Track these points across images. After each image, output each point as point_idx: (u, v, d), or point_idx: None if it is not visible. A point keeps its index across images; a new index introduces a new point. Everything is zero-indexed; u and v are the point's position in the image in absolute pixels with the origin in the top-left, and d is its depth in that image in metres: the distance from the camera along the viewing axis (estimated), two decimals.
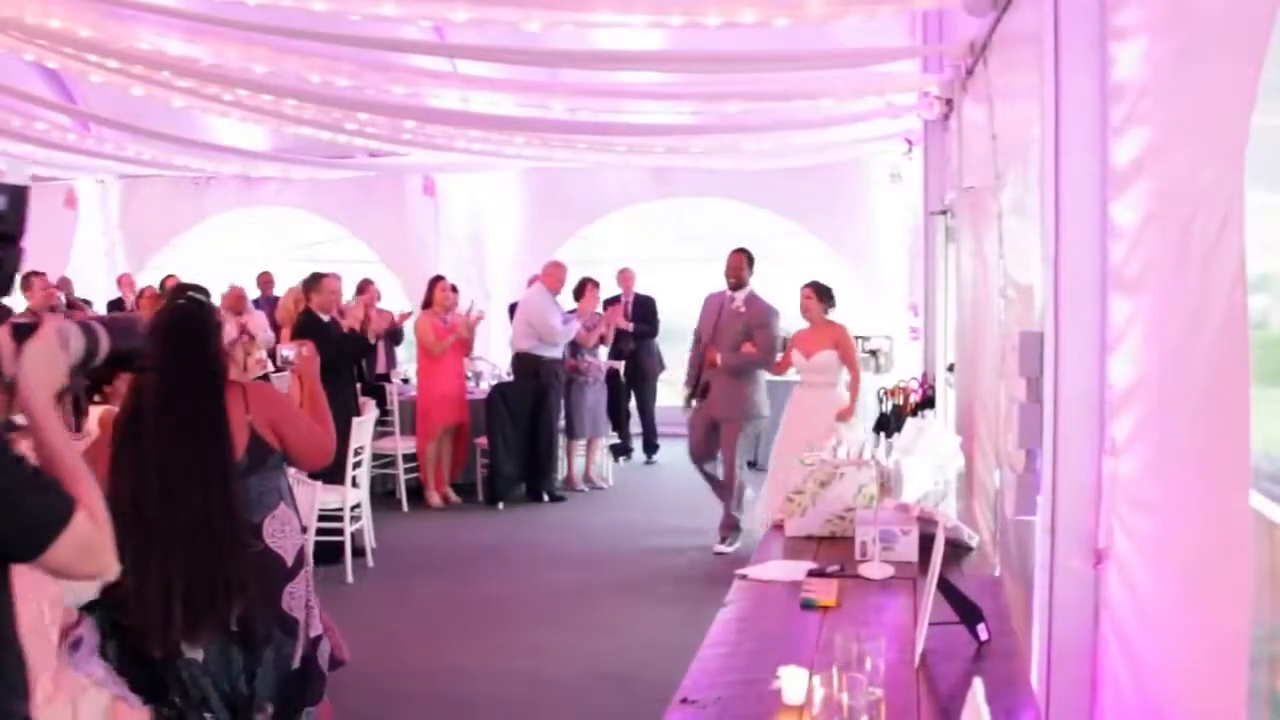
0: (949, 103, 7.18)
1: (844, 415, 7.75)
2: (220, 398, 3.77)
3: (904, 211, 10.74)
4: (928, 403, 8.15)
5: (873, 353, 11.22)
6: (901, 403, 8.74)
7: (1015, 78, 4.45)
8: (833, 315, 8.02)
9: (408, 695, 5.52)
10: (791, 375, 8.28)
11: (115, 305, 12.20)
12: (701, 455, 8.31)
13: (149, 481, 3.58)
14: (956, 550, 4.09)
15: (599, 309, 10.67)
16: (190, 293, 4.02)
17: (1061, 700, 3.23)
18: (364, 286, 10.33)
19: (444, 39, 8.59)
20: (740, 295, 8.12)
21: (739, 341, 8.03)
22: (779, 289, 13.47)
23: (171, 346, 3.74)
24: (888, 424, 7.67)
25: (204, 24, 6.52)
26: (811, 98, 7.70)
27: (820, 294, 8.00)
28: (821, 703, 2.33)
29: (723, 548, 8.17)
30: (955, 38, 6.59)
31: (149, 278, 13.24)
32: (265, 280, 12.60)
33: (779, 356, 8.22)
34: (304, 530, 4.13)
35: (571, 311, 10.12)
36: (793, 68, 7.26)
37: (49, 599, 3.48)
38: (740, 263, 8.19)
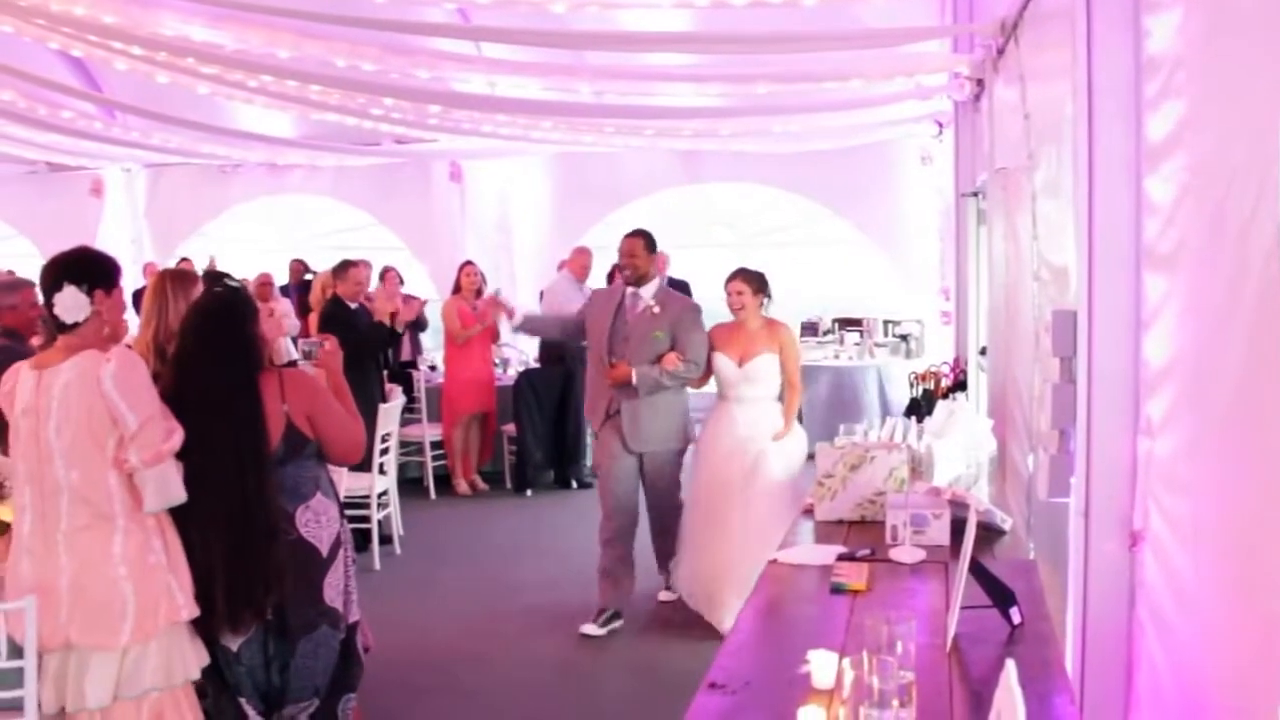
0: (980, 83, 7.10)
1: (779, 435, 6.16)
2: (255, 386, 3.81)
3: (935, 194, 10.65)
4: (959, 387, 8.09)
5: (903, 337, 11.19)
6: (932, 387, 8.70)
7: (1048, 56, 4.39)
8: (771, 310, 6.32)
9: (435, 683, 5.52)
10: (709, 388, 6.53)
11: (140, 294, 12.26)
12: (626, 510, 6.32)
13: (188, 469, 3.60)
14: (989, 534, 4.05)
15: None
16: (225, 280, 4.07)
17: (1096, 684, 3.19)
18: (385, 274, 10.32)
19: (468, 22, 8.57)
20: (647, 291, 6.25)
21: (657, 351, 6.13)
22: (810, 274, 13.52)
23: (207, 334, 3.80)
24: (919, 409, 7.58)
25: (227, 9, 6.52)
26: (840, 79, 7.58)
27: (755, 284, 6.21)
28: (851, 686, 2.30)
29: (596, 629, 6.22)
30: (986, 16, 6.52)
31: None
32: (296, 267, 12.64)
33: None
34: (343, 520, 4.14)
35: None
36: (821, 48, 7.16)
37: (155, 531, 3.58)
38: (636, 249, 6.23)
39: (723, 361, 6.16)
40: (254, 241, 14.27)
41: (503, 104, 8.88)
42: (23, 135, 10.84)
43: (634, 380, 6.08)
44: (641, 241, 6.25)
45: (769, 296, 6.28)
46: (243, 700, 3.90)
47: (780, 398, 6.27)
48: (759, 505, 5.91)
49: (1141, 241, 3.05)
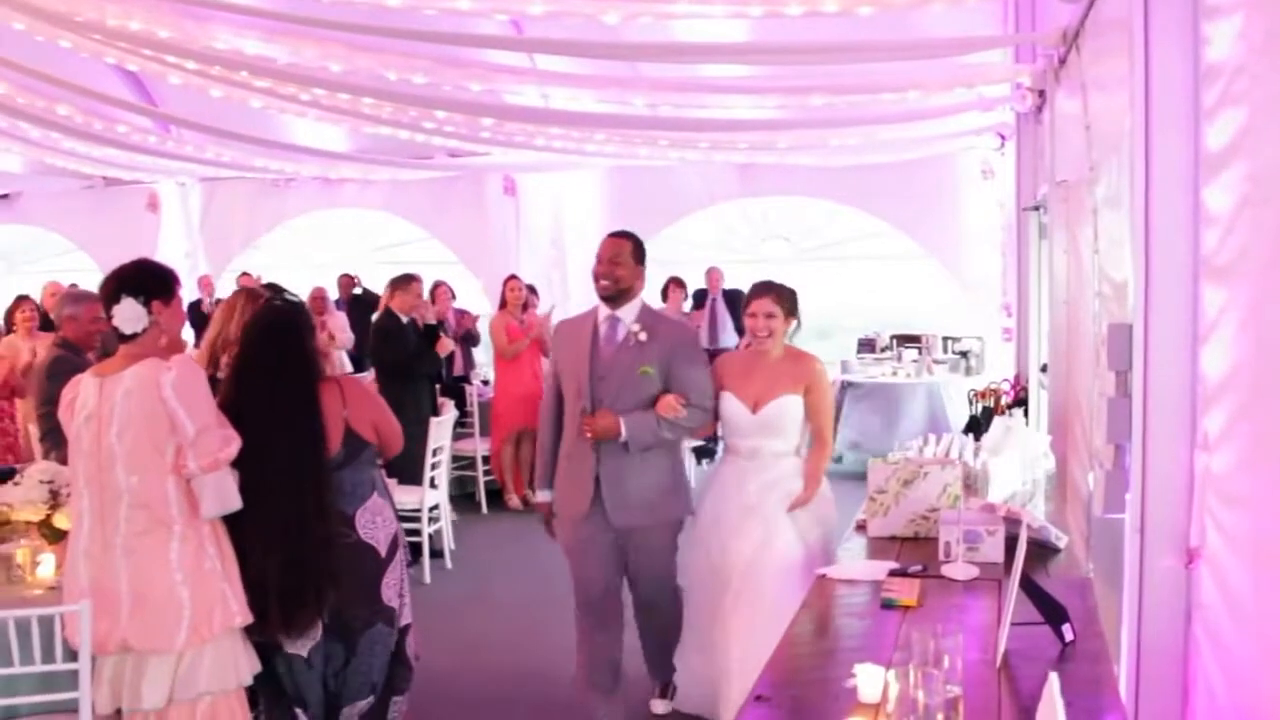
0: (1041, 94, 7.01)
1: (798, 502, 4.69)
2: (316, 395, 3.91)
3: (996, 209, 10.54)
4: (1019, 404, 7.98)
5: (963, 354, 11.06)
6: (992, 405, 8.59)
7: (1109, 65, 4.32)
8: (798, 340, 4.92)
9: (485, 698, 5.52)
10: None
11: (194, 306, 12.44)
12: (608, 603, 4.96)
13: (247, 478, 3.68)
14: (1043, 551, 3.99)
15: (685, 308, 10.61)
16: (284, 294, 4.20)
17: (1151, 705, 3.12)
18: (436, 288, 10.34)
19: (522, 33, 8.59)
20: (628, 314, 4.73)
21: (648, 393, 4.67)
22: (867, 290, 13.40)
23: (269, 346, 3.91)
24: (978, 427, 7.48)
25: (280, 22, 6.61)
26: (899, 91, 7.50)
27: (788, 304, 4.79)
28: (896, 699, 2.27)
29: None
30: (1048, 25, 6.43)
31: (230, 280, 13.42)
32: (346, 282, 12.76)
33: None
34: (397, 519, 4.23)
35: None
36: (878, 59, 7.10)
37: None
38: (621, 253, 4.73)
39: (732, 405, 4.73)
40: (308, 255, 14.44)
41: (556, 116, 8.90)
42: (80, 150, 11.07)
43: (623, 434, 4.59)
44: (629, 246, 4.77)
45: (797, 319, 4.86)
46: (299, 711, 3.96)
47: (800, 452, 4.82)
48: (772, 590, 4.47)
49: (1199, 253, 2.99)
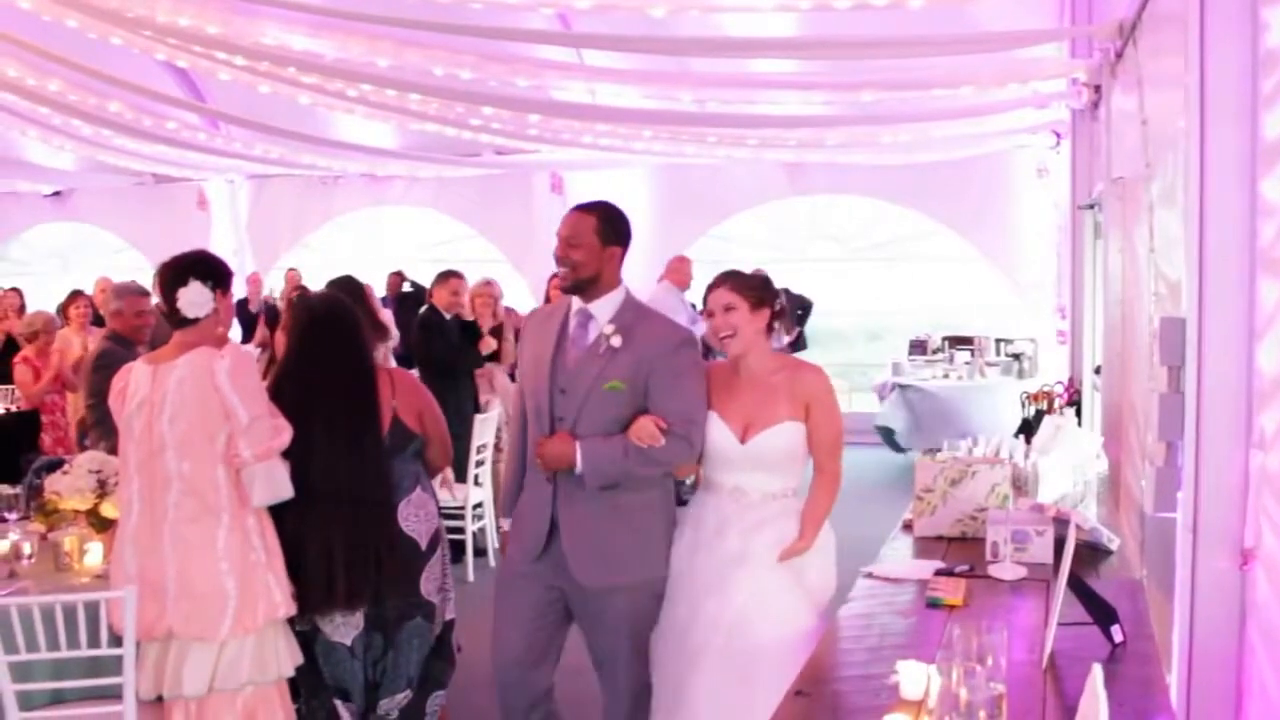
0: (1097, 89, 6.89)
1: (793, 550, 3.67)
2: (373, 381, 4.01)
3: (1051, 209, 10.39)
4: (1072, 406, 7.86)
5: (1016, 356, 10.92)
6: (1045, 408, 8.46)
7: (1166, 58, 4.24)
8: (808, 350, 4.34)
9: None
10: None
11: (242, 304, 12.55)
12: (527, 681, 3.84)
13: (314, 457, 3.79)
14: (1095, 554, 3.92)
15: None
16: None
17: (1203, 709, 3.04)
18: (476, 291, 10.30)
19: (569, 28, 8.58)
20: (604, 310, 3.69)
21: (619, 415, 3.63)
22: (919, 291, 13.27)
23: (329, 334, 4.00)
24: (1030, 430, 7.37)
25: (327, 17, 6.66)
26: (951, 86, 7.41)
27: (754, 294, 3.81)
28: (938, 695, 2.22)
29: None
30: (1104, 18, 6.32)
31: (278, 277, 13.54)
32: (395, 280, 12.83)
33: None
34: (440, 516, 4.28)
35: (702, 310, 9.99)
36: (930, 53, 7.01)
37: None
38: (581, 231, 3.67)
39: (717, 430, 3.72)
40: (355, 254, 14.52)
41: (603, 113, 8.90)
42: (131, 147, 11.26)
43: (578, 465, 3.57)
44: (594, 220, 3.67)
45: (790, 320, 4.33)
46: (338, 702, 3.99)
47: (799, 492, 3.82)
48: (758, 668, 3.52)
49: (1256, 245, 2.92)
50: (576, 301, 3.72)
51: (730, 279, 3.82)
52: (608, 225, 3.68)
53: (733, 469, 3.72)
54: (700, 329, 9.74)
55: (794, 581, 3.65)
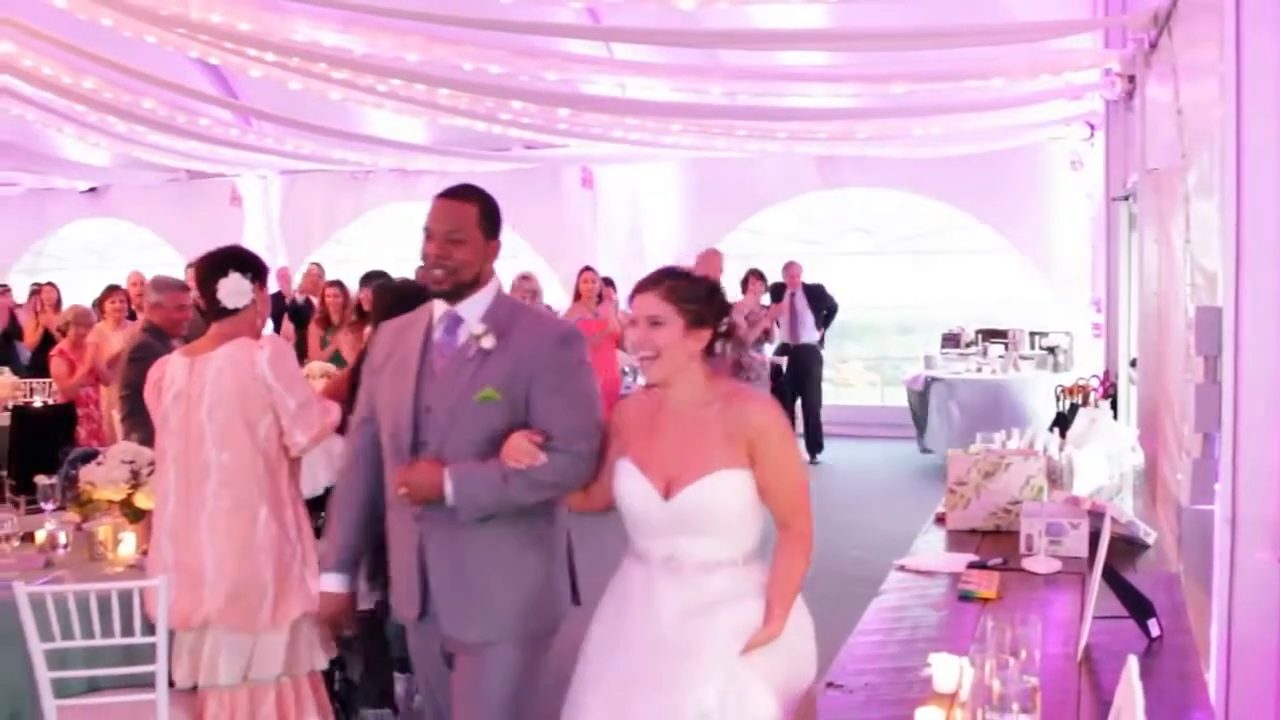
0: (1131, 79, 6.83)
1: (759, 640, 2.78)
2: None
3: (1086, 200, 10.30)
4: (1108, 399, 7.80)
5: (1050, 349, 10.84)
6: (1080, 401, 8.40)
7: (1202, 49, 4.19)
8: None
9: (562, 679, 5.53)
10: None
11: (278, 297, 12.63)
12: None
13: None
14: (1131, 548, 3.88)
15: (763, 302, 10.52)
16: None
17: (1242, 703, 3.00)
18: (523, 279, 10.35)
19: (598, 22, 8.59)
20: (472, 310, 3.08)
21: (495, 431, 2.98)
22: (951, 283, 13.18)
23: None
24: (1064, 424, 7.31)
25: (357, 13, 6.69)
26: (983, 78, 7.35)
27: (687, 302, 2.88)
28: (972, 689, 2.21)
29: None
30: (1138, 7, 6.26)
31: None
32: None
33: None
34: None
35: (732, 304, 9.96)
36: (961, 44, 6.95)
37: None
38: (462, 221, 3.16)
39: (633, 484, 2.91)
40: (386, 248, 14.57)
41: (633, 106, 8.89)
42: (164, 143, 11.38)
43: (449, 494, 2.95)
44: (475, 211, 3.18)
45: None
46: (396, 675, 4.06)
47: (749, 560, 2.90)
48: None
49: None
50: (440, 305, 3.11)
51: (665, 281, 2.88)
52: (489, 216, 3.20)
53: (660, 533, 2.88)
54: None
55: (764, 679, 2.74)
